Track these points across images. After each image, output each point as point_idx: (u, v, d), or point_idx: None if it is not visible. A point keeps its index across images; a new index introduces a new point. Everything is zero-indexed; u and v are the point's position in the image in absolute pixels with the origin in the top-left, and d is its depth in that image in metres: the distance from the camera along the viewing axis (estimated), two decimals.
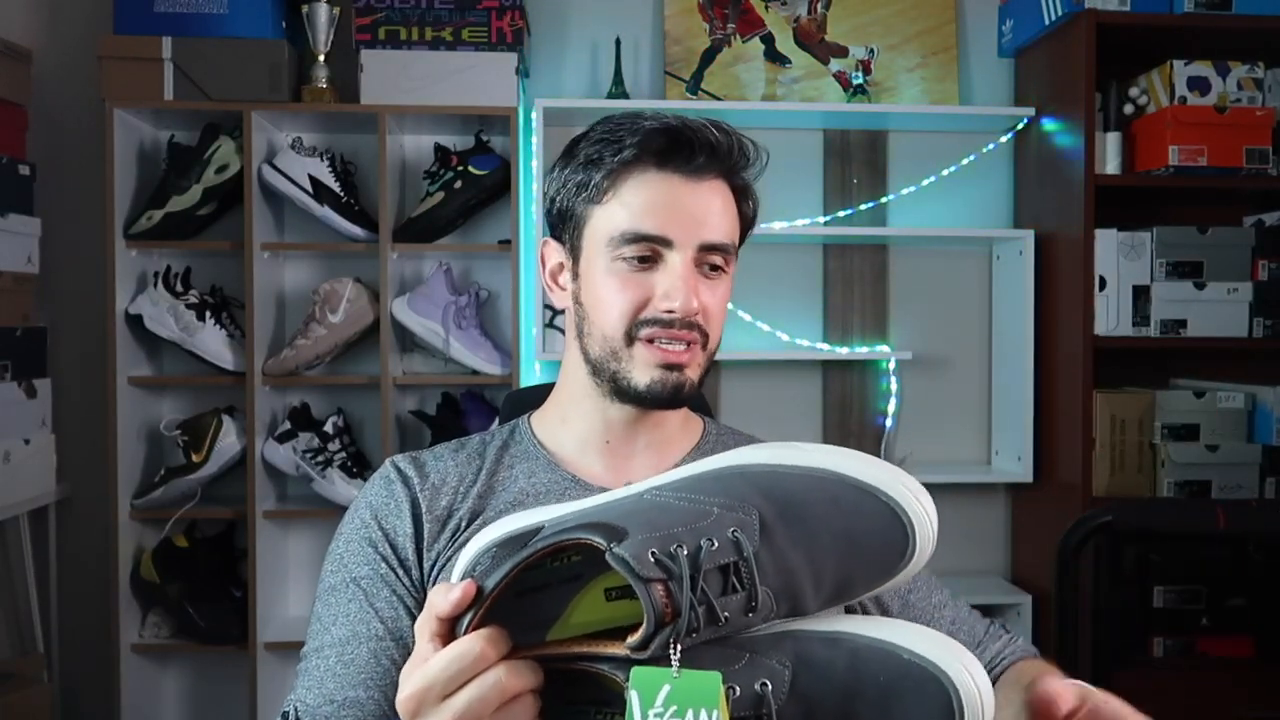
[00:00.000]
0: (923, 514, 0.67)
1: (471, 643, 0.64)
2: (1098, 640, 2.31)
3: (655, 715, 0.59)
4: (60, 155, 2.54)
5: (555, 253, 1.06)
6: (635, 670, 0.60)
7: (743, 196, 1.05)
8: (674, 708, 0.59)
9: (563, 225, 1.04)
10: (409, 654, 0.94)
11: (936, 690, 0.62)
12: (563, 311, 1.08)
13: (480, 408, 2.48)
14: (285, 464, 2.42)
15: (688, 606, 0.60)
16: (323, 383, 2.53)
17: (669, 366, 0.98)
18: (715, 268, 1.01)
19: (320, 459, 2.41)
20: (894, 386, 2.70)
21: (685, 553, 0.61)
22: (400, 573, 0.98)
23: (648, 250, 0.98)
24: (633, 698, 0.59)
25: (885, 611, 1.04)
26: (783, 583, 0.64)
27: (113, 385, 2.35)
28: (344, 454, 2.44)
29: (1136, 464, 2.43)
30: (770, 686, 0.62)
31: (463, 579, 0.67)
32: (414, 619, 0.96)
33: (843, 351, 2.67)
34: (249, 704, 2.39)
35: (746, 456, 0.70)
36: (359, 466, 2.46)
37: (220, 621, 2.40)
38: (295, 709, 0.91)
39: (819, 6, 2.69)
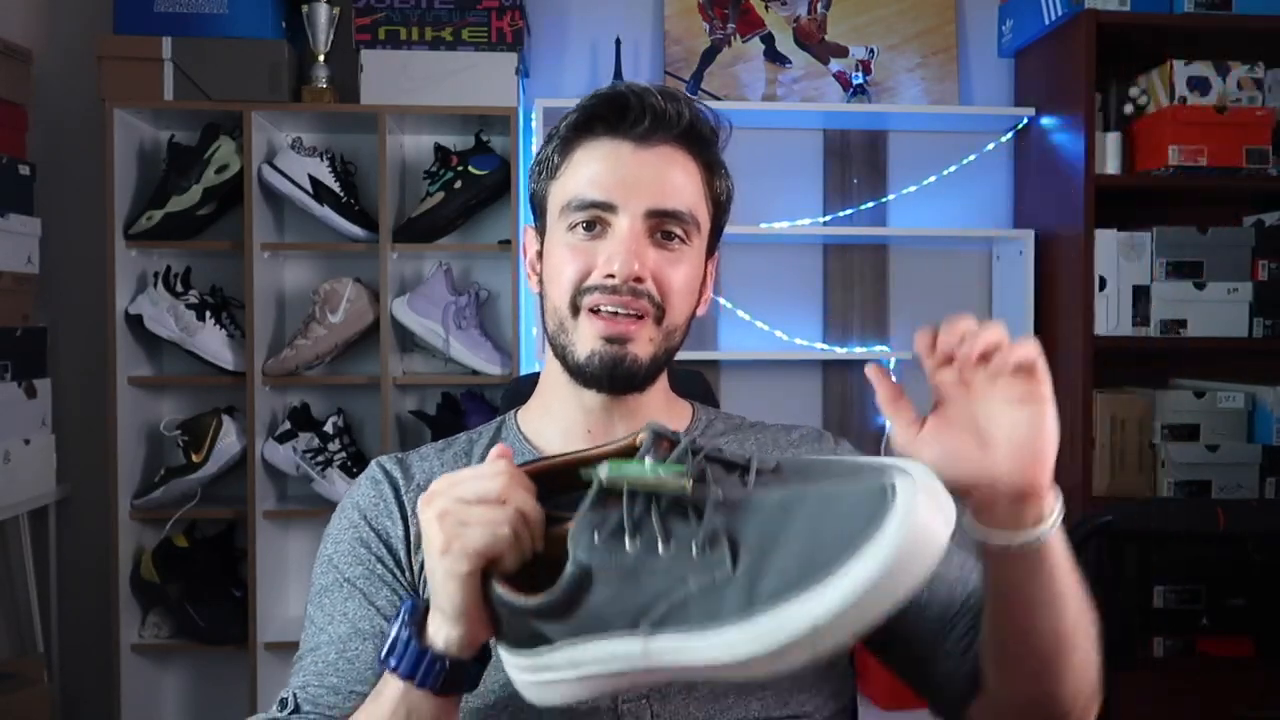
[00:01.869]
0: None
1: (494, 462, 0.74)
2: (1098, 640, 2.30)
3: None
4: (60, 155, 2.54)
5: (533, 239, 1.05)
6: (610, 462, 0.68)
7: (711, 173, 1.02)
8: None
9: (535, 210, 1.04)
10: None
11: (873, 483, 0.62)
12: None
13: (480, 408, 2.48)
14: (285, 464, 2.42)
15: (688, 446, 0.68)
16: (323, 383, 2.53)
17: (610, 339, 0.95)
18: (671, 235, 0.97)
19: (320, 459, 2.41)
20: None
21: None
22: (397, 572, 0.96)
23: (593, 217, 0.95)
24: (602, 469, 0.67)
25: None
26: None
27: (113, 385, 2.35)
28: (344, 454, 2.44)
29: (1136, 464, 2.43)
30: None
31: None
32: None
33: (842, 351, 2.67)
34: (249, 704, 2.39)
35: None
36: (359, 466, 2.46)
37: (220, 621, 2.40)
38: (294, 695, 0.89)
39: (819, 6, 2.69)
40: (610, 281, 0.94)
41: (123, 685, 2.37)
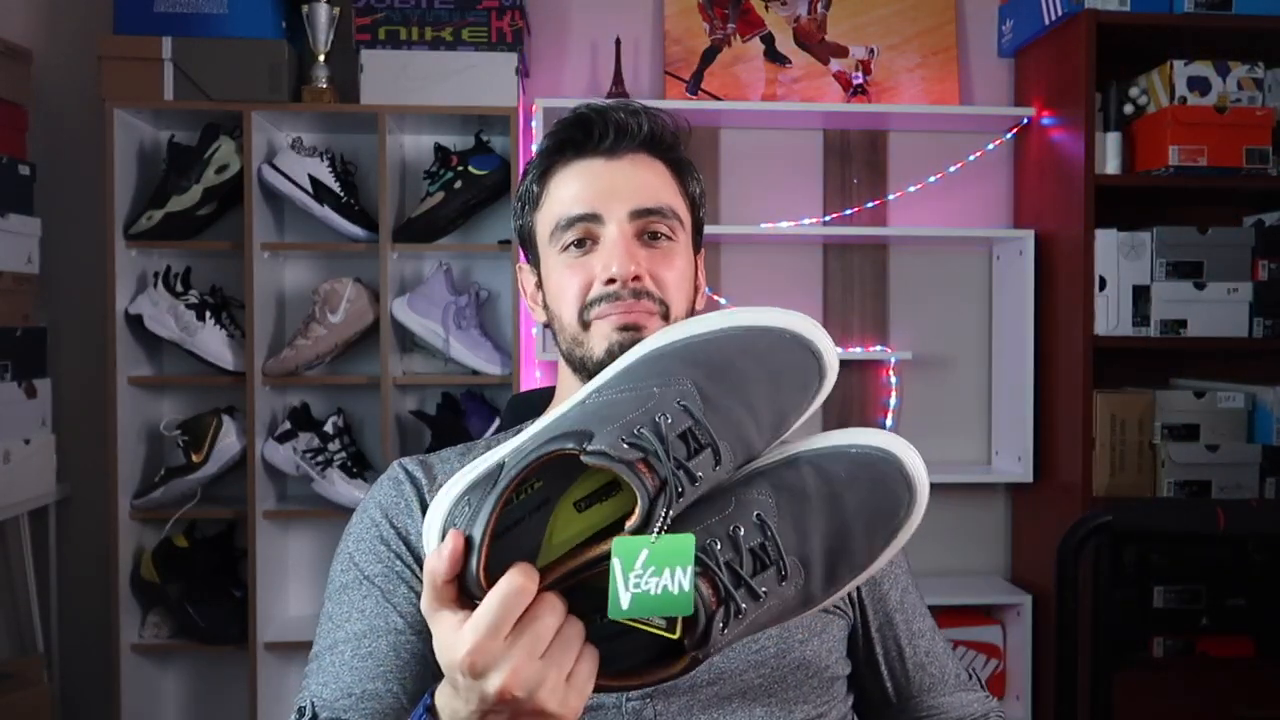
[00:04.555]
0: (825, 339, 0.75)
1: (511, 579, 0.63)
2: (1098, 640, 2.30)
3: (635, 578, 0.61)
4: (60, 155, 2.54)
5: (529, 274, 1.08)
6: (616, 540, 0.62)
7: (683, 174, 1.05)
8: (651, 569, 0.61)
9: (526, 246, 1.07)
10: (429, 647, 0.94)
11: (888, 464, 0.73)
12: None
13: (480, 408, 2.48)
14: (285, 464, 2.42)
15: (670, 473, 0.64)
16: (323, 383, 2.53)
17: (624, 327, 0.97)
18: (657, 235, 1.00)
19: (320, 459, 2.41)
20: (894, 386, 2.70)
21: (648, 431, 0.65)
22: (416, 569, 0.97)
23: (583, 233, 0.99)
24: (615, 565, 0.61)
25: (879, 614, 1.06)
26: (733, 434, 0.69)
27: (113, 385, 2.35)
28: (344, 454, 2.44)
29: (1136, 464, 2.43)
30: (764, 516, 0.68)
31: (442, 537, 0.66)
32: None
33: (842, 351, 2.67)
34: (249, 704, 2.39)
35: (659, 340, 0.75)
36: (359, 467, 2.46)
37: (220, 621, 2.40)
38: (312, 704, 0.89)
39: (819, 6, 2.69)
40: (612, 288, 0.96)
41: (123, 685, 2.37)
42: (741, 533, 0.66)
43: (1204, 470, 2.41)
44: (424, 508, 1.00)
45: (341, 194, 2.44)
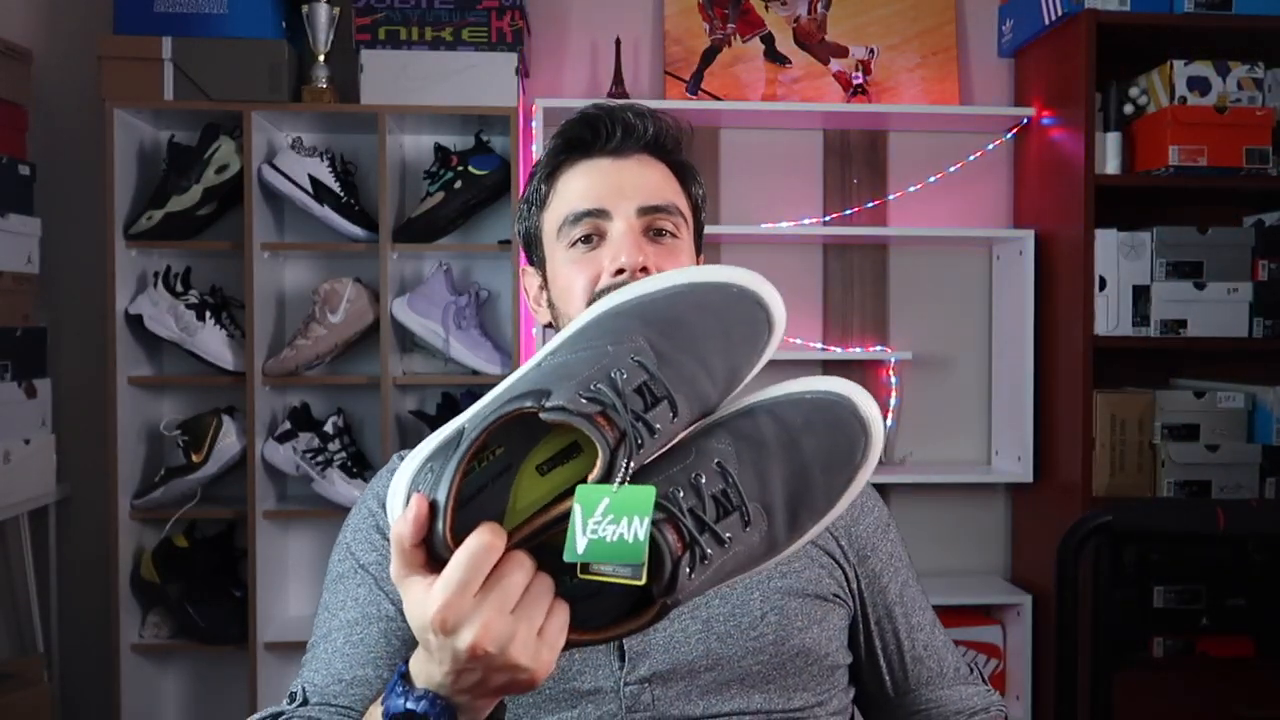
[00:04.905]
0: (772, 292, 0.76)
1: (479, 536, 0.62)
2: (1098, 640, 2.30)
3: (594, 523, 0.62)
4: (60, 155, 2.54)
5: (533, 276, 1.08)
6: (579, 487, 0.63)
7: (686, 177, 1.06)
8: (610, 517, 0.62)
9: (532, 247, 1.07)
10: None
11: (842, 407, 0.74)
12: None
13: None
14: (285, 464, 2.42)
15: (629, 424, 0.64)
16: (323, 383, 2.53)
17: None
18: (663, 232, 1.01)
19: (320, 459, 2.41)
20: (894, 386, 2.70)
21: (604, 386, 0.65)
22: None
23: (590, 228, 1.00)
24: (576, 511, 0.62)
25: (878, 607, 1.07)
26: (688, 387, 0.69)
27: (113, 385, 2.35)
28: (344, 454, 2.44)
29: (1136, 464, 2.43)
30: (724, 463, 0.68)
31: (406, 503, 0.67)
32: None
33: (842, 351, 2.67)
34: (249, 704, 2.39)
35: (610, 301, 0.76)
36: (359, 466, 2.46)
37: (220, 621, 2.40)
38: (303, 689, 0.91)
39: (819, 6, 2.69)
40: (621, 278, 0.97)
41: (123, 685, 2.37)
42: (703, 480, 0.67)
43: (1204, 470, 2.41)
44: None
45: (341, 194, 2.44)
